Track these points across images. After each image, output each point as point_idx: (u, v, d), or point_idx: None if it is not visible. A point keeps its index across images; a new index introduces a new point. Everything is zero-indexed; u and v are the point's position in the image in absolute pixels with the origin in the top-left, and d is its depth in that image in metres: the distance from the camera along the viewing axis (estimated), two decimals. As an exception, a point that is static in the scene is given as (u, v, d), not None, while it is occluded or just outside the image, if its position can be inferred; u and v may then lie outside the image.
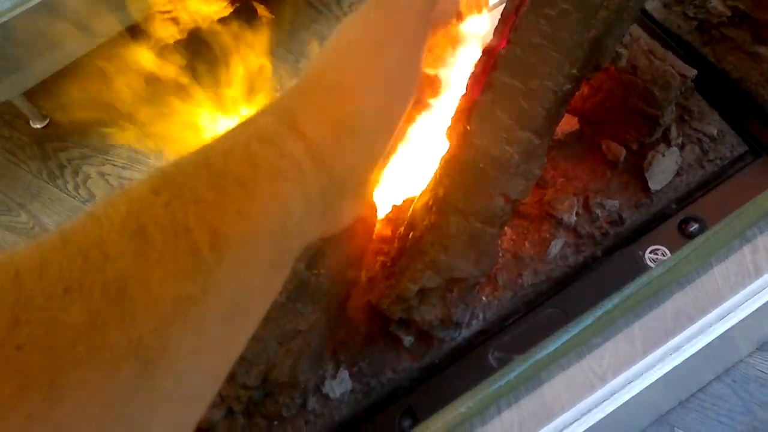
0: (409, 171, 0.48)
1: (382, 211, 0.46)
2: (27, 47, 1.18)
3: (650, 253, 0.49)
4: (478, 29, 0.45)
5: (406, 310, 0.41)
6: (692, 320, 0.48)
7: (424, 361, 0.45)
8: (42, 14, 1.15)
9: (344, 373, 0.43)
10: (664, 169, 0.47)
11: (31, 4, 1.10)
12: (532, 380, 0.47)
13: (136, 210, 0.24)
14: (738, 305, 0.49)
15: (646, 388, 0.48)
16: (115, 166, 1.45)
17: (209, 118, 1.41)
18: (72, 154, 1.50)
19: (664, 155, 0.47)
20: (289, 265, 0.30)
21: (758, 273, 0.48)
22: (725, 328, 0.49)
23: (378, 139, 0.31)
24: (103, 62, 1.54)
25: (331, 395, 0.43)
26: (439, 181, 0.41)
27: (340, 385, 0.43)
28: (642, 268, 0.48)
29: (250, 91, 1.43)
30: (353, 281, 0.43)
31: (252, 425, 0.43)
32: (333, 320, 0.42)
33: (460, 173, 0.40)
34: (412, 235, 0.41)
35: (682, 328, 0.49)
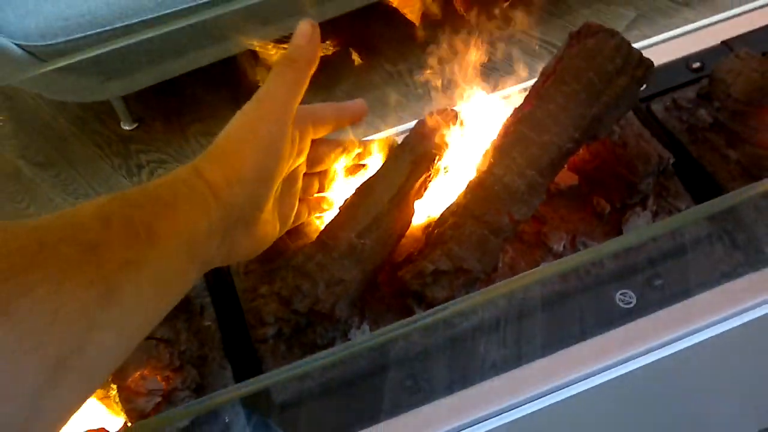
0: (443, 194, 0.63)
1: (418, 219, 0.61)
2: (147, 55, 1.36)
3: (620, 294, 0.62)
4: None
5: (421, 285, 0.54)
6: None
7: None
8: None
9: (366, 327, 0.57)
10: (638, 227, 0.61)
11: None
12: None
13: (102, 206, 0.37)
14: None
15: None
16: (186, 174, 1.62)
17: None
18: (151, 157, 1.69)
19: (639, 216, 0.60)
20: (190, 280, 0.42)
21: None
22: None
23: (259, 186, 0.46)
24: (196, 80, 1.74)
25: (354, 342, 0.57)
26: (464, 194, 0.55)
27: (362, 336, 0.57)
28: (612, 306, 0.61)
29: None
30: (389, 254, 0.57)
31: (290, 353, 0.57)
32: (367, 282, 0.56)
33: (480, 191, 0.55)
34: (437, 231, 0.55)
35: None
